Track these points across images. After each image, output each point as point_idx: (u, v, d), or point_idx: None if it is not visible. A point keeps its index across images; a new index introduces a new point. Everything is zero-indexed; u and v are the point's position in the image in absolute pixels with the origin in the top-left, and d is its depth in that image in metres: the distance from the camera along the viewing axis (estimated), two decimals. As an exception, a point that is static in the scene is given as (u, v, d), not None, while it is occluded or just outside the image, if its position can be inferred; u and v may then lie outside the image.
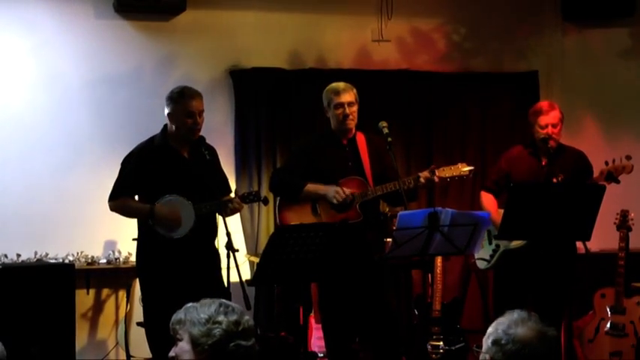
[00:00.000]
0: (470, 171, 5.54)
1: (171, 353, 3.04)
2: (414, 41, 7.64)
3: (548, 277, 5.76)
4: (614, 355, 6.44)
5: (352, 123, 5.60)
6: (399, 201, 5.45)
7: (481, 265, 6.08)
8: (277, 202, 5.72)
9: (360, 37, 7.58)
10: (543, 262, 5.72)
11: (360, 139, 5.68)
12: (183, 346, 2.99)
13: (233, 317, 2.98)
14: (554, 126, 5.85)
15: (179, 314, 3.04)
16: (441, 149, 7.60)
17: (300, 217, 5.56)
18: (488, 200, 6.05)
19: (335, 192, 5.48)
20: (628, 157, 5.69)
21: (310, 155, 5.68)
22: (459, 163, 5.56)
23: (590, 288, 6.59)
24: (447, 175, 5.50)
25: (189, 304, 3.06)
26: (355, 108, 5.60)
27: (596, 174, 5.76)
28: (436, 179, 5.44)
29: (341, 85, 5.64)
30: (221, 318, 2.97)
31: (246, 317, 3.04)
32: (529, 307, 5.48)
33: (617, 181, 5.67)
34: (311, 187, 5.57)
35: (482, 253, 5.99)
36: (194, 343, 2.96)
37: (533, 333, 2.74)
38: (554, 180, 5.71)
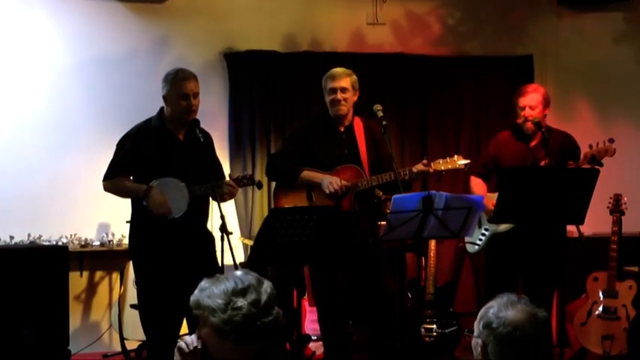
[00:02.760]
0: (465, 164, 5.56)
1: (196, 337, 2.98)
2: (409, 24, 7.63)
3: (538, 259, 5.76)
4: (607, 339, 6.46)
5: (343, 109, 5.60)
6: (394, 189, 5.46)
7: (471, 249, 6.07)
8: (273, 188, 5.72)
9: (354, 20, 7.56)
10: (532, 244, 5.72)
11: (358, 126, 5.67)
12: (209, 332, 2.93)
13: (252, 297, 2.89)
14: (531, 108, 5.82)
15: (195, 296, 2.94)
16: (436, 133, 7.61)
17: (295, 203, 5.56)
18: (477, 184, 6.05)
19: (329, 183, 5.48)
20: (610, 140, 5.69)
21: (307, 141, 5.68)
22: (455, 156, 5.57)
23: (583, 271, 6.62)
24: (442, 168, 5.50)
25: (204, 284, 2.96)
26: (349, 95, 5.60)
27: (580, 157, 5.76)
28: (431, 170, 5.45)
29: (339, 70, 5.65)
30: (240, 302, 2.88)
31: (264, 286, 2.94)
32: (519, 289, 5.53)
33: (600, 164, 5.65)
34: (307, 174, 5.58)
35: (472, 237, 5.94)
36: (217, 330, 2.91)
37: (523, 315, 2.75)
38: (542, 163, 5.73)
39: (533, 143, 5.88)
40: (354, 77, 5.64)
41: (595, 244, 6.84)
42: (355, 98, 5.65)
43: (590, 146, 5.70)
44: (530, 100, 5.82)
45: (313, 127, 5.76)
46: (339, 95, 5.56)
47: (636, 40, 7.78)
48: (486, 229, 5.95)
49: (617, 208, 6.53)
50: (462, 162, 5.54)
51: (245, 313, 2.87)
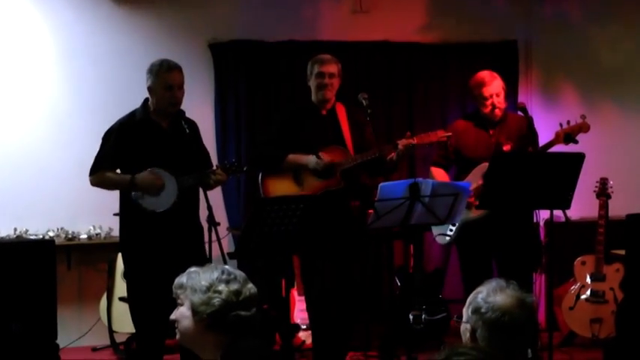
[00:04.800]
0: (447, 137, 5.62)
1: (172, 316, 3.06)
2: (393, 12, 7.61)
3: (510, 244, 5.77)
4: (595, 322, 6.50)
5: (329, 94, 5.67)
6: (380, 170, 5.50)
7: (441, 240, 5.97)
8: (260, 175, 5.74)
9: (339, 8, 7.54)
10: (503, 230, 5.73)
11: (340, 110, 5.72)
12: (184, 312, 3.01)
13: (234, 286, 2.99)
14: (497, 95, 5.83)
15: (182, 278, 3.05)
16: (422, 120, 7.59)
17: (282, 187, 5.63)
18: (439, 174, 5.98)
19: (316, 162, 5.54)
20: (583, 117, 5.70)
21: (289, 126, 5.73)
22: (438, 130, 5.62)
23: (571, 256, 6.64)
24: (424, 141, 5.55)
25: (193, 269, 3.06)
26: (335, 81, 5.67)
27: (552, 137, 5.75)
28: (415, 141, 5.49)
29: (327, 56, 5.74)
30: (222, 287, 2.97)
31: (249, 285, 3.04)
32: (496, 276, 5.54)
33: (575, 142, 5.67)
34: (292, 157, 5.63)
35: (442, 228, 5.81)
36: (194, 310, 2.98)
37: (512, 300, 2.76)
38: (505, 148, 5.75)
39: (492, 130, 5.88)
40: (340, 65, 5.73)
41: (582, 228, 6.88)
42: (338, 85, 5.71)
43: (561, 125, 5.71)
44: (495, 88, 5.83)
45: (295, 113, 5.83)
46: (327, 80, 5.65)
47: (618, 23, 7.79)
48: None
49: (603, 192, 6.55)
50: (442, 134, 5.62)
51: (224, 298, 2.95)
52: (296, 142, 5.67)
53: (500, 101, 5.82)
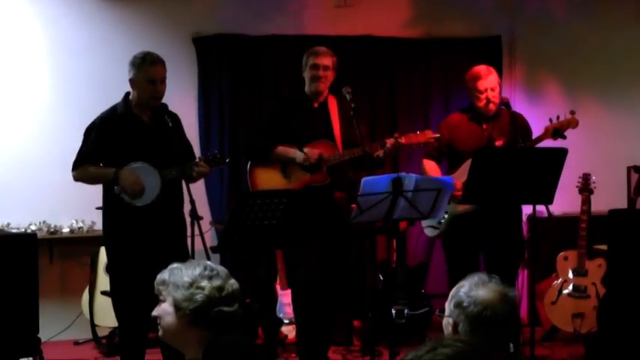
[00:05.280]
0: (435, 138, 5.65)
1: (154, 313, 3.05)
2: (377, 7, 7.61)
3: (498, 238, 5.79)
4: (577, 317, 6.52)
5: (322, 86, 5.71)
6: (365, 165, 5.52)
7: (430, 232, 6.02)
8: (248, 164, 5.76)
9: (323, 2, 7.53)
10: (492, 224, 5.74)
11: (332, 104, 5.77)
12: (166, 308, 3.01)
13: (217, 282, 2.99)
14: (492, 89, 5.86)
15: (164, 274, 3.04)
16: (405, 115, 7.60)
17: (270, 178, 5.69)
18: (431, 167, 6.01)
19: (304, 157, 5.58)
20: (572, 112, 5.73)
21: (280, 117, 5.77)
22: (426, 130, 5.64)
23: (553, 251, 6.66)
24: (412, 141, 5.57)
25: (175, 265, 3.05)
26: (330, 74, 5.73)
27: (541, 132, 5.77)
28: (403, 141, 5.51)
29: (322, 48, 5.80)
30: (204, 283, 2.97)
31: (231, 281, 3.04)
32: (482, 270, 5.56)
33: (564, 137, 5.71)
34: (281, 149, 5.67)
35: (430, 221, 5.89)
36: (176, 306, 2.97)
37: (494, 294, 2.77)
38: (497, 143, 5.76)
39: (486, 125, 5.89)
40: (335, 58, 5.78)
41: (564, 223, 6.91)
42: (332, 78, 5.75)
43: (551, 120, 5.73)
44: (491, 82, 5.85)
45: (287, 103, 5.88)
46: (321, 72, 5.70)
47: (602, 18, 7.81)
48: (445, 212, 5.96)
49: (586, 188, 6.57)
50: (431, 135, 5.65)
51: (207, 294, 2.94)
52: (286, 134, 5.70)
53: (494, 96, 5.84)
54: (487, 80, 5.84)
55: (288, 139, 5.69)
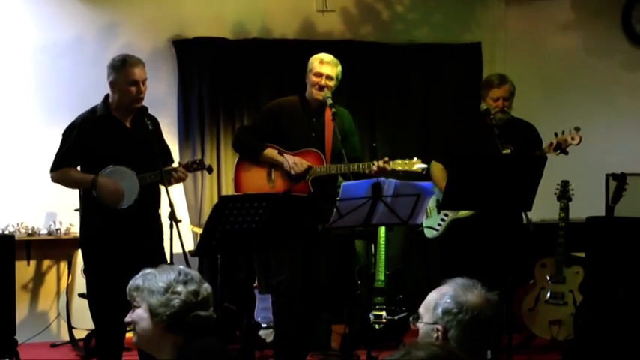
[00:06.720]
0: (423, 169, 5.63)
1: (128, 318, 3.03)
2: (359, 11, 7.63)
3: (495, 246, 5.80)
4: (554, 323, 6.54)
5: (322, 95, 5.64)
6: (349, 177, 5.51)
7: (429, 233, 6.09)
8: (235, 161, 5.77)
9: (304, 6, 7.54)
10: (490, 231, 5.76)
11: (329, 114, 5.69)
12: (141, 314, 2.99)
13: (192, 287, 2.98)
14: (505, 99, 5.91)
15: (137, 280, 3.02)
16: (385, 120, 7.62)
17: (253, 177, 5.70)
18: (437, 169, 6.07)
19: (293, 163, 5.58)
20: (577, 129, 5.75)
21: (277, 117, 5.73)
22: (415, 158, 5.62)
23: (531, 257, 6.67)
24: (399, 168, 5.57)
25: (148, 270, 3.04)
26: (332, 83, 5.68)
27: (545, 145, 5.82)
28: (389, 168, 5.51)
29: (329, 56, 5.73)
30: (180, 288, 2.95)
31: (205, 285, 3.03)
32: (474, 275, 5.56)
33: (566, 153, 5.75)
34: (269, 152, 5.67)
35: (431, 222, 5.99)
36: (152, 312, 2.95)
37: (481, 299, 2.77)
38: (504, 152, 5.78)
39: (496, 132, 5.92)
40: (340, 68, 5.73)
41: (542, 230, 6.91)
42: (334, 87, 5.71)
43: (556, 134, 5.77)
44: (504, 91, 5.92)
45: (286, 105, 5.81)
46: (324, 81, 5.65)
47: (583, 27, 7.85)
48: (446, 215, 6.00)
49: (564, 195, 6.59)
50: (419, 166, 5.61)
51: (183, 299, 2.93)
52: (280, 135, 5.69)
53: (507, 105, 5.89)
54: (500, 89, 5.95)
55: (281, 141, 5.68)
